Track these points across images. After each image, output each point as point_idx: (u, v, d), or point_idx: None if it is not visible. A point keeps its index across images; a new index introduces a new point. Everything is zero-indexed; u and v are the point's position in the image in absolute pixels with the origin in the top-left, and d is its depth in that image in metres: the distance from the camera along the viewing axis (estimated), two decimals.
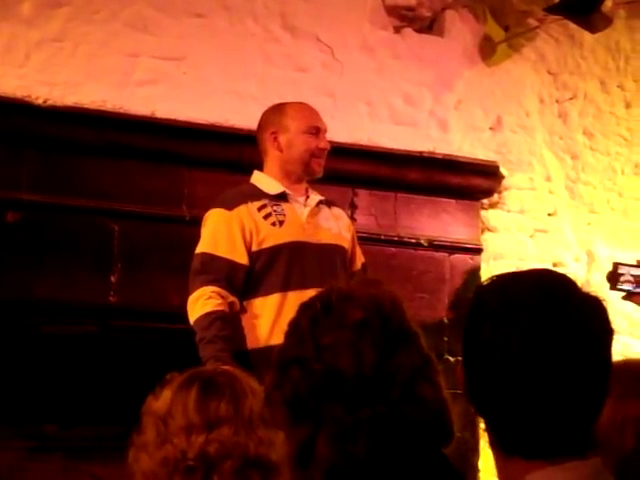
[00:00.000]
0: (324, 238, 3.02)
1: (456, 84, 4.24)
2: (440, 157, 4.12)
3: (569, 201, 4.52)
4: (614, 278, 3.36)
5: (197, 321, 2.80)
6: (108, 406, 3.28)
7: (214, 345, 2.75)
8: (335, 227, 3.09)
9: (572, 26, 4.28)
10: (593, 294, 1.25)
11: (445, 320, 3.98)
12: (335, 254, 3.04)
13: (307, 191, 3.08)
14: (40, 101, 3.42)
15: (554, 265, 4.43)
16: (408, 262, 4.03)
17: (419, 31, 4.21)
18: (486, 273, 4.18)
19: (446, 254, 4.13)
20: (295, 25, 3.91)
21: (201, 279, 2.86)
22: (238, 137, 3.58)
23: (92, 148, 3.47)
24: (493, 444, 1.25)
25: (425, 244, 4.07)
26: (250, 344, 2.87)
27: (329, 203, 3.14)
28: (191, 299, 2.85)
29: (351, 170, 3.92)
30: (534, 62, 4.45)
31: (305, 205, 3.04)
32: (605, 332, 1.23)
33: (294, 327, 1.37)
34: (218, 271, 2.85)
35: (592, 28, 4.15)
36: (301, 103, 3.19)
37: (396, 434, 1.29)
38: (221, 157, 3.63)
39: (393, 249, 4.02)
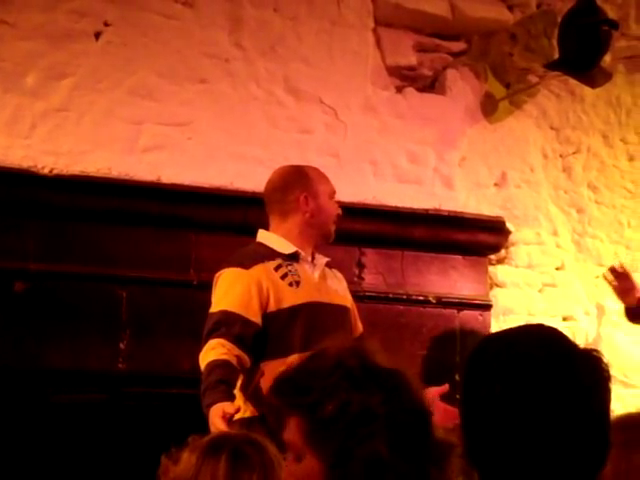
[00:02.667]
0: (335, 299, 3.03)
1: (459, 141, 4.27)
2: (446, 214, 4.13)
3: (577, 255, 4.51)
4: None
5: (202, 374, 2.75)
6: (120, 475, 3.24)
7: (215, 391, 2.67)
8: (340, 289, 3.10)
9: (572, 82, 4.33)
10: (590, 348, 1.25)
11: (457, 377, 3.95)
12: (345, 314, 3.05)
13: (312, 253, 3.08)
14: (46, 171, 3.44)
15: (564, 319, 4.42)
16: (417, 320, 4.01)
17: (421, 90, 4.25)
18: (496, 329, 4.15)
19: (455, 311, 4.11)
20: (298, 88, 3.95)
21: (211, 336, 2.82)
22: (244, 200, 3.59)
23: (98, 215, 3.48)
24: None
25: (433, 301, 4.06)
26: None
27: (330, 265, 3.14)
28: (200, 356, 2.81)
29: (357, 229, 3.93)
30: (536, 118, 4.48)
31: (314, 266, 3.04)
32: (601, 385, 1.22)
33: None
34: (229, 326, 2.81)
35: (592, 83, 4.19)
36: (317, 168, 3.20)
37: None
38: (227, 220, 3.64)
39: (401, 307, 4.01)
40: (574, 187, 4.55)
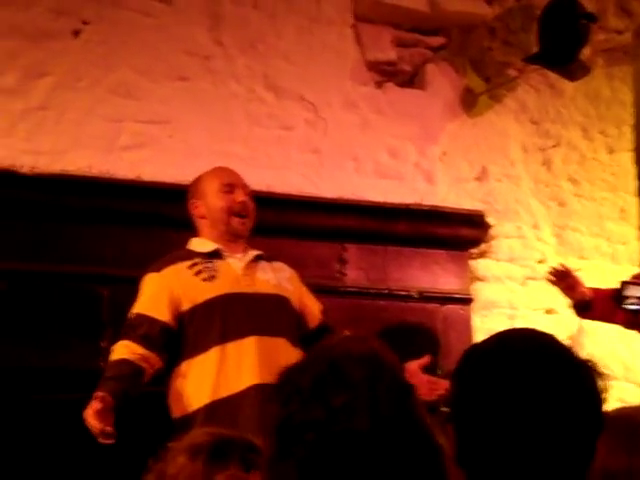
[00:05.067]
0: (262, 288, 2.97)
1: (440, 136, 4.28)
2: (427, 209, 4.14)
3: (558, 248, 4.53)
4: (620, 298, 3.48)
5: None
6: (102, 473, 3.24)
7: (100, 387, 2.69)
8: (274, 279, 3.03)
9: (552, 75, 4.34)
10: (586, 358, 1.25)
11: (439, 372, 3.96)
12: (274, 303, 2.97)
13: (245, 249, 3.05)
14: (26, 170, 3.43)
15: (547, 312, 4.43)
16: (399, 315, 4.02)
17: (401, 85, 4.26)
18: (477, 323, 4.17)
19: (437, 305, 4.12)
20: (278, 85, 3.95)
21: (120, 339, 2.85)
22: None
23: (79, 214, 3.47)
24: None
25: (416, 296, 4.07)
26: (196, 404, 2.81)
27: (269, 258, 3.10)
28: None
29: (339, 225, 3.94)
30: (516, 112, 4.49)
31: (241, 260, 3.00)
32: (598, 393, 1.23)
33: (293, 391, 1.34)
34: (135, 328, 2.83)
35: (571, 77, 4.21)
36: (217, 167, 3.19)
37: None
38: None
39: (384, 302, 4.01)
40: (554, 180, 4.56)
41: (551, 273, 3.67)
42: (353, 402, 1.27)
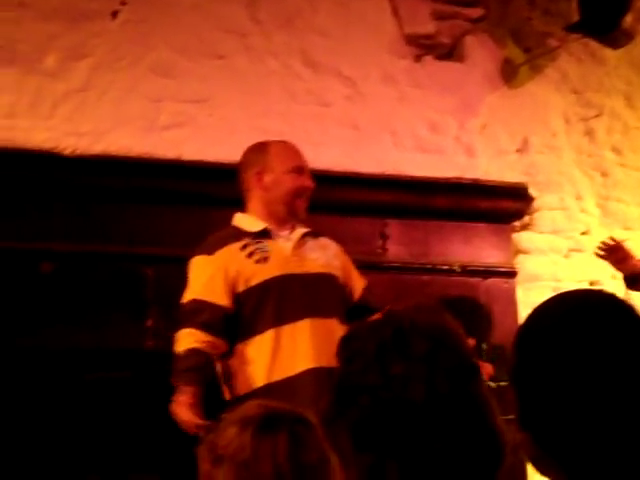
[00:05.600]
0: (311, 268, 2.97)
1: (480, 109, 4.24)
2: (468, 182, 4.11)
3: (602, 219, 4.48)
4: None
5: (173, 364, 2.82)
6: (153, 455, 3.27)
7: (183, 379, 2.74)
8: (322, 257, 3.02)
9: (593, 44, 4.27)
10: None
11: (484, 345, 3.95)
12: (324, 282, 2.97)
13: (293, 226, 3.03)
14: (68, 152, 3.46)
15: (591, 284, 4.39)
16: (442, 289, 4.00)
17: (439, 58, 4.22)
18: (521, 296, 4.14)
19: (480, 279, 4.10)
20: (315, 60, 3.94)
21: (181, 327, 2.85)
22: None
23: (121, 195, 3.50)
24: (548, 470, 1.23)
25: (458, 270, 4.05)
26: (251, 386, 2.82)
27: (316, 234, 3.08)
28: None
29: (379, 200, 3.92)
30: (557, 82, 4.43)
31: (289, 239, 2.99)
32: None
33: (358, 351, 1.35)
34: (196, 314, 2.83)
35: (614, 45, 4.14)
36: (284, 142, 3.15)
37: (470, 467, 1.27)
38: None
39: (426, 277, 4.00)
40: (597, 150, 4.51)
41: (600, 247, 3.63)
42: (410, 373, 1.27)
